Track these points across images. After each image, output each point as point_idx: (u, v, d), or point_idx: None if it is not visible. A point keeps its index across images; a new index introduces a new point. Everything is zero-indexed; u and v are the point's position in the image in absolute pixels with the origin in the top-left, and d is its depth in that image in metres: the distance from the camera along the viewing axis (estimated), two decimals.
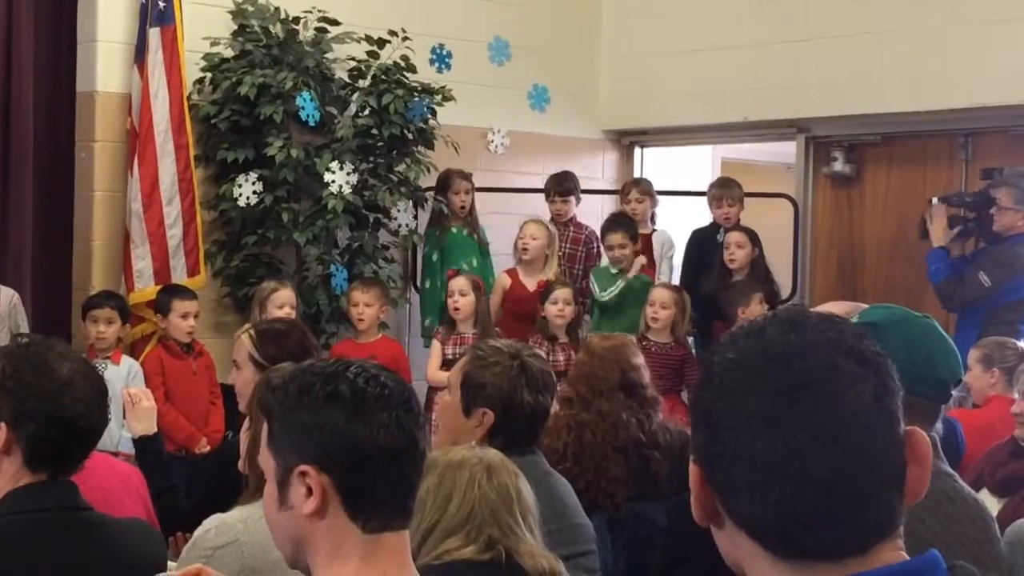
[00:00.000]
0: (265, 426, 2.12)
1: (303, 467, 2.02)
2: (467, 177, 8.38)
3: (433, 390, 7.22)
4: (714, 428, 1.48)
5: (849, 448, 1.43)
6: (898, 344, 2.67)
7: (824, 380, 1.44)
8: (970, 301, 7.25)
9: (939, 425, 2.91)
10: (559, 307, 7.42)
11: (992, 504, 4.68)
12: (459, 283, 7.47)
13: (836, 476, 1.42)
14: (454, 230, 8.35)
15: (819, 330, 1.49)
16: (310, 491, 2.02)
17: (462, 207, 8.33)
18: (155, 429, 4.36)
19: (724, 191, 8.34)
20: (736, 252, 7.89)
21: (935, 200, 7.64)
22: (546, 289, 7.58)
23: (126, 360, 6.97)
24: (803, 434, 1.42)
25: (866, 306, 3.40)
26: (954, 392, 2.90)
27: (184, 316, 7.04)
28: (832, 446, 1.42)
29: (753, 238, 7.96)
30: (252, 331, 4.39)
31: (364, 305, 7.47)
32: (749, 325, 1.54)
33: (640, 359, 5.00)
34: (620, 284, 7.85)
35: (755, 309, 7.38)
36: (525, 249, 7.95)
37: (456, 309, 7.42)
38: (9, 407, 2.88)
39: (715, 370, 1.51)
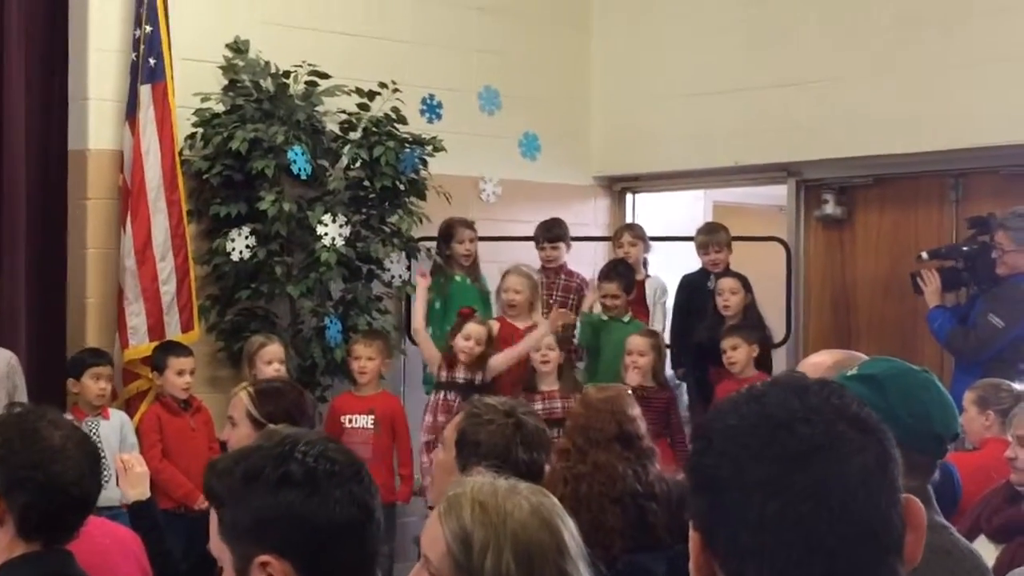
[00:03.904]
0: (215, 515, 2.06)
1: (264, 557, 1.97)
2: (470, 226, 8.38)
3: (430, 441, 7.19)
4: (718, 494, 1.48)
5: (855, 515, 1.44)
6: (896, 398, 2.68)
7: (830, 447, 1.45)
8: (984, 345, 7.17)
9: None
10: (542, 353, 7.46)
11: (989, 550, 4.67)
12: (479, 331, 7.51)
13: (843, 542, 1.43)
14: (457, 278, 8.34)
15: (822, 396, 1.49)
16: None
17: (466, 255, 8.33)
18: (148, 494, 4.35)
19: (710, 237, 8.37)
20: (730, 299, 7.91)
21: (924, 255, 7.65)
22: None
23: (116, 414, 6.99)
24: (811, 500, 1.43)
25: (859, 354, 3.41)
26: (950, 447, 2.89)
27: (180, 373, 7.05)
28: (839, 513, 1.43)
29: (746, 284, 7.99)
30: (250, 389, 4.42)
31: (367, 359, 7.51)
32: (748, 390, 1.55)
33: (636, 410, 4.99)
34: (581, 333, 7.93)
35: (744, 351, 7.50)
36: (512, 305, 7.97)
37: (468, 354, 7.45)
38: (1, 477, 2.87)
39: (715, 436, 1.50)
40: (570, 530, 2.54)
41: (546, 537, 2.52)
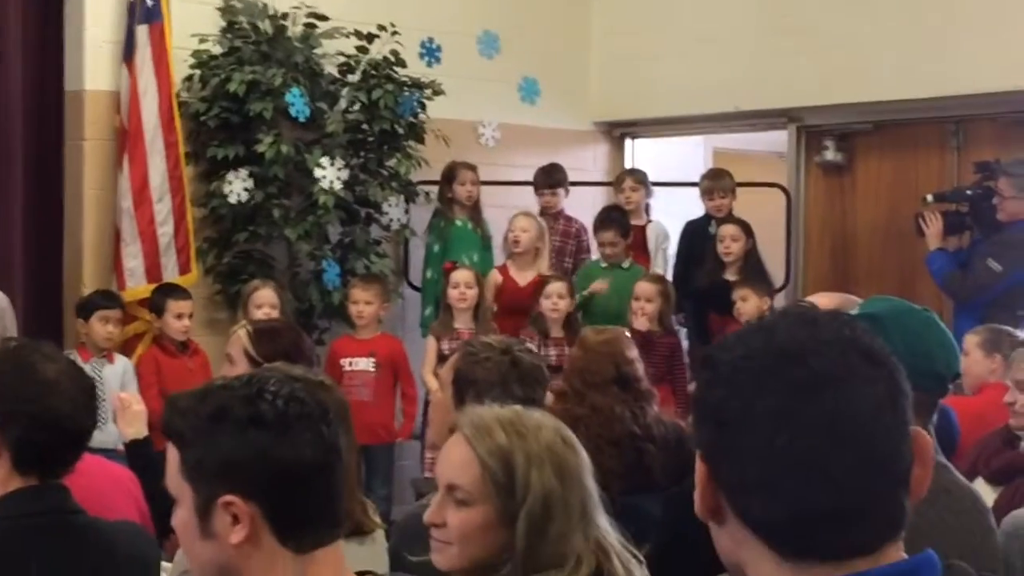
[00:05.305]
0: (176, 453, 1.99)
1: (228, 497, 1.91)
2: (473, 168, 8.34)
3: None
4: (725, 426, 1.46)
5: (866, 447, 1.42)
6: (897, 337, 2.66)
7: (841, 378, 1.43)
8: (981, 289, 7.20)
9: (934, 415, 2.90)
10: (552, 301, 7.44)
11: (987, 493, 4.67)
12: (465, 275, 7.50)
13: (853, 474, 1.41)
14: (458, 222, 8.31)
15: (832, 328, 1.47)
16: (236, 519, 1.92)
17: (468, 198, 8.30)
18: (146, 432, 4.34)
19: (715, 183, 8.35)
20: (731, 245, 7.90)
21: (929, 197, 7.64)
22: (541, 284, 7.59)
23: (120, 359, 7.00)
24: (821, 432, 1.41)
25: (855, 298, 3.40)
26: (951, 386, 2.89)
27: (179, 316, 7.05)
28: (850, 444, 1.41)
29: (747, 230, 7.96)
30: (249, 328, 4.40)
31: (364, 303, 7.48)
32: (758, 322, 1.52)
33: (634, 352, 4.99)
34: (580, 297, 7.82)
35: (754, 303, 7.47)
36: (516, 242, 7.94)
37: (463, 299, 7.42)
38: None
39: (723, 368, 1.48)
40: (583, 450, 2.55)
41: (571, 454, 2.54)
